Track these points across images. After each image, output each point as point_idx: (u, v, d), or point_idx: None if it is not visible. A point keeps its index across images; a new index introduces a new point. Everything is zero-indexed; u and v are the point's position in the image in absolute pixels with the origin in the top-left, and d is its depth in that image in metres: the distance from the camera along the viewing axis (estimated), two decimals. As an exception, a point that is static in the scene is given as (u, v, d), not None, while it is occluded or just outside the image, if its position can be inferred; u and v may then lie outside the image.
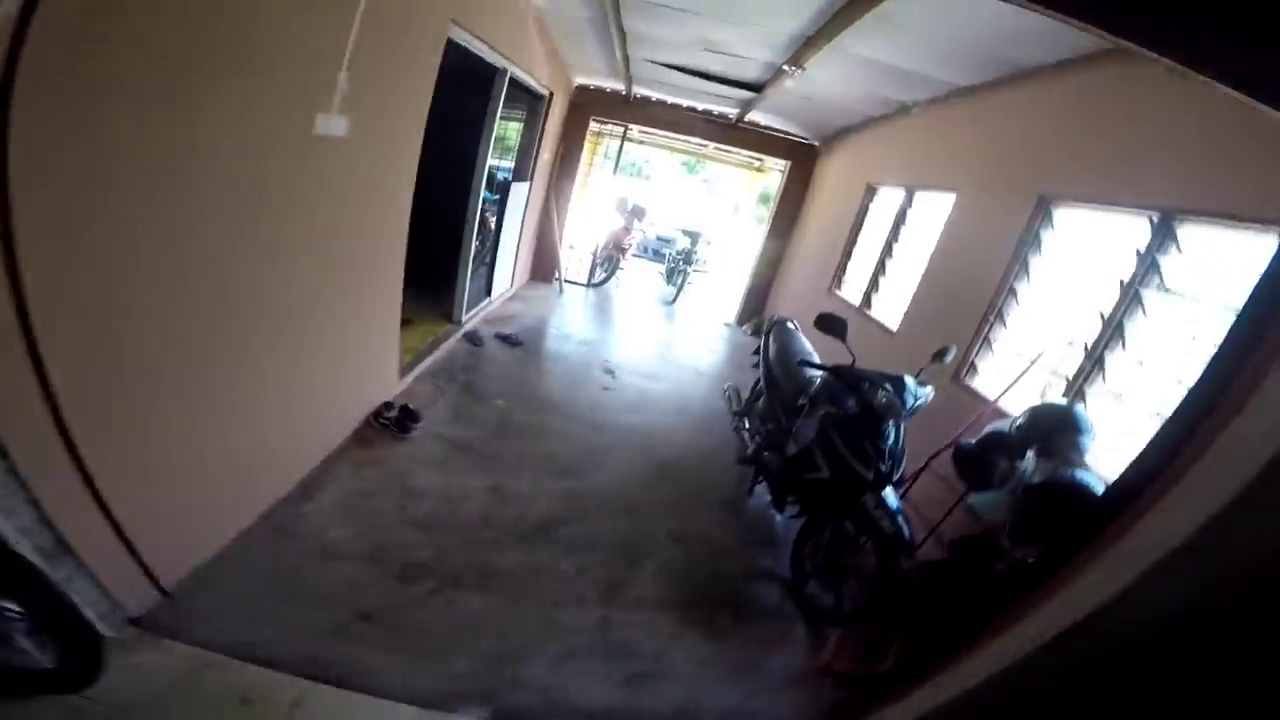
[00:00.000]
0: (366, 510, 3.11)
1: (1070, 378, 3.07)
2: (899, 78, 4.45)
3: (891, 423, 2.92)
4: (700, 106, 8.18)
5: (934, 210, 4.63)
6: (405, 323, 5.16)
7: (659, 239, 12.99)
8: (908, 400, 2.89)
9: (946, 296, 4.07)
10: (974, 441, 2.88)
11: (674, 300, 9.75)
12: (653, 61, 5.86)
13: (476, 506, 3.39)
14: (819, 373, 3.30)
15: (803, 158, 8.45)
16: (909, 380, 2.97)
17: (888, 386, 2.88)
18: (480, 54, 4.32)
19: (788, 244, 8.60)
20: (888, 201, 5.65)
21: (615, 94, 8.21)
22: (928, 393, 3.01)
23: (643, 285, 10.95)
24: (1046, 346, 3.22)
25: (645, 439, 4.63)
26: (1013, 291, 3.49)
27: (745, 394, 4.63)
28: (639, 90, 7.89)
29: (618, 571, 3.13)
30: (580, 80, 8.06)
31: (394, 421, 3.81)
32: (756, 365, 4.37)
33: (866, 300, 5.43)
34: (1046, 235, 3.35)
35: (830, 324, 3.20)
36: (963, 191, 4.16)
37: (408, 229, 3.75)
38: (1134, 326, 2.79)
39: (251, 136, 2.15)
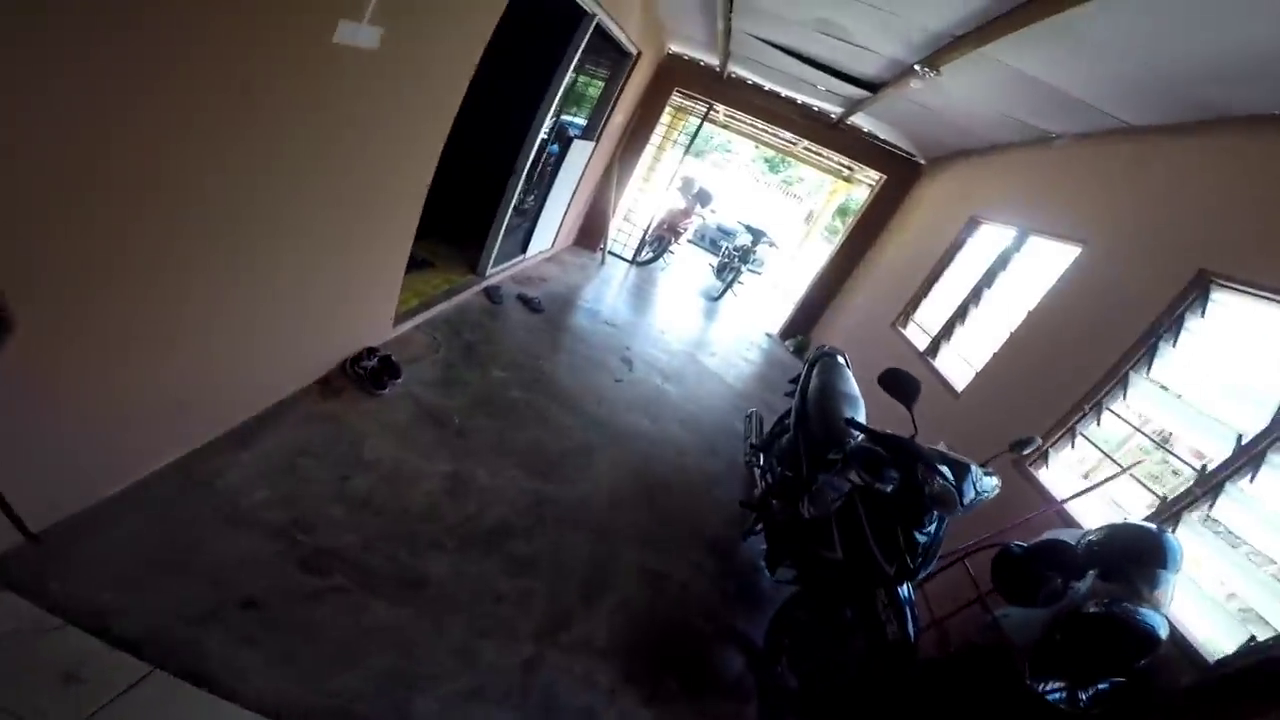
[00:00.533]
0: (300, 474, 2.70)
1: (1168, 498, 2.48)
2: (1054, 103, 3.74)
3: (938, 516, 2.35)
4: (800, 99, 7.49)
5: (1048, 262, 3.95)
6: (424, 264, 4.83)
7: (719, 229, 12.52)
8: (967, 493, 2.30)
9: (1037, 367, 3.41)
10: (1025, 546, 2.38)
11: (719, 297, 9.19)
12: (757, 37, 5.22)
13: (427, 494, 2.96)
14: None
15: (902, 174, 7.69)
16: (974, 470, 2.38)
17: (946, 473, 2.29)
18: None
19: (858, 264, 7.88)
20: (990, 241, 4.94)
21: (708, 69, 7.59)
22: (993, 485, 2.42)
23: (691, 274, 10.41)
24: (1146, 456, 2.62)
25: (645, 449, 4.11)
26: (1124, 380, 2.83)
27: (769, 424, 4.07)
28: (734, 69, 7.25)
29: (567, 603, 2.69)
30: (673, 47, 7.46)
31: (369, 373, 3.40)
32: (790, 394, 3.82)
33: (934, 348, 4.75)
34: (1192, 321, 2.67)
35: (898, 384, 2.70)
36: (1093, 247, 3.46)
37: (435, 165, 3.28)
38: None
39: (247, 34, 1.73)
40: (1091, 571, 2.16)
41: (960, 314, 4.59)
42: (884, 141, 7.57)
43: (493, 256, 5.21)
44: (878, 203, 7.86)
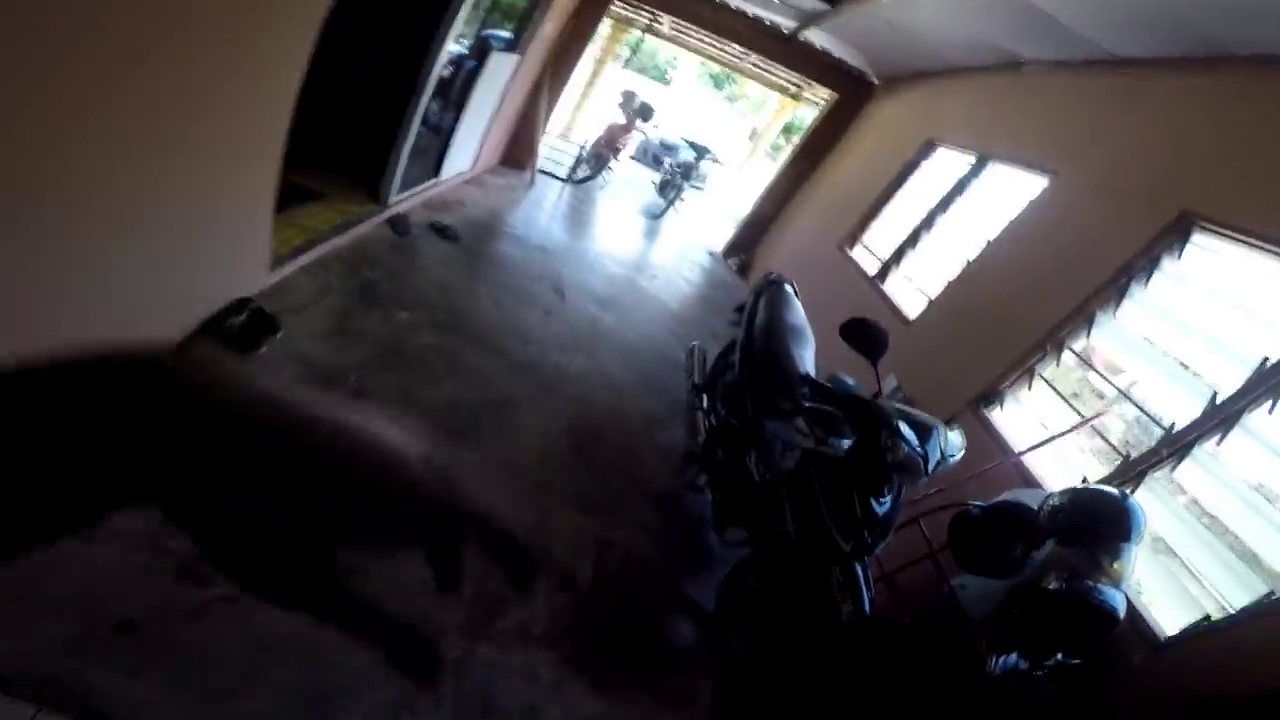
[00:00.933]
0: None
1: (1131, 455, 2.36)
2: (1036, 27, 3.44)
3: (898, 483, 2.15)
4: (752, 11, 6.94)
5: (1010, 192, 3.74)
6: (314, 196, 4.16)
7: (662, 145, 12.04)
8: (931, 457, 2.10)
9: (994, 299, 3.25)
10: (984, 508, 2.27)
11: (660, 215, 8.82)
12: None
13: None
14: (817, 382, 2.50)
15: (854, 93, 7.36)
16: (940, 430, 2.17)
17: (911, 438, 2.07)
18: None
19: (805, 184, 7.61)
20: (947, 166, 4.71)
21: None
22: (959, 446, 2.23)
23: (632, 192, 9.89)
24: (1111, 407, 2.48)
25: (579, 393, 3.77)
26: (1090, 320, 2.67)
27: (714, 358, 3.77)
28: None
29: (498, 588, 2.34)
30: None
31: (236, 331, 2.72)
32: (735, 323, 3.48)
33: (883, 273, 4.58)
34: (1169, 263, 2.50)
35: (863, 335, 2.38)
36: (1063, 179, 3.26)
37: (303, 67, 2.56)
38: (1258, 422, 2.06)
39: None
40: (1051, 540, 2.06)
41: (912, 239, 4.40)
42: (838, 60, 7.18)
43: (396, 182, 4.53)
44: (827, 122, 7.57)
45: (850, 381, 2.67)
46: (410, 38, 4.07)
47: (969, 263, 3.58)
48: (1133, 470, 2.31)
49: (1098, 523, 1.99)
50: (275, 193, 2.84)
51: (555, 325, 4.36)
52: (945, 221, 4.27)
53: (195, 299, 2.67)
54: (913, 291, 4.16)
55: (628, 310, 5.16)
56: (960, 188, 4.21)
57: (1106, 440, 2.54)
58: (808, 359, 2.86)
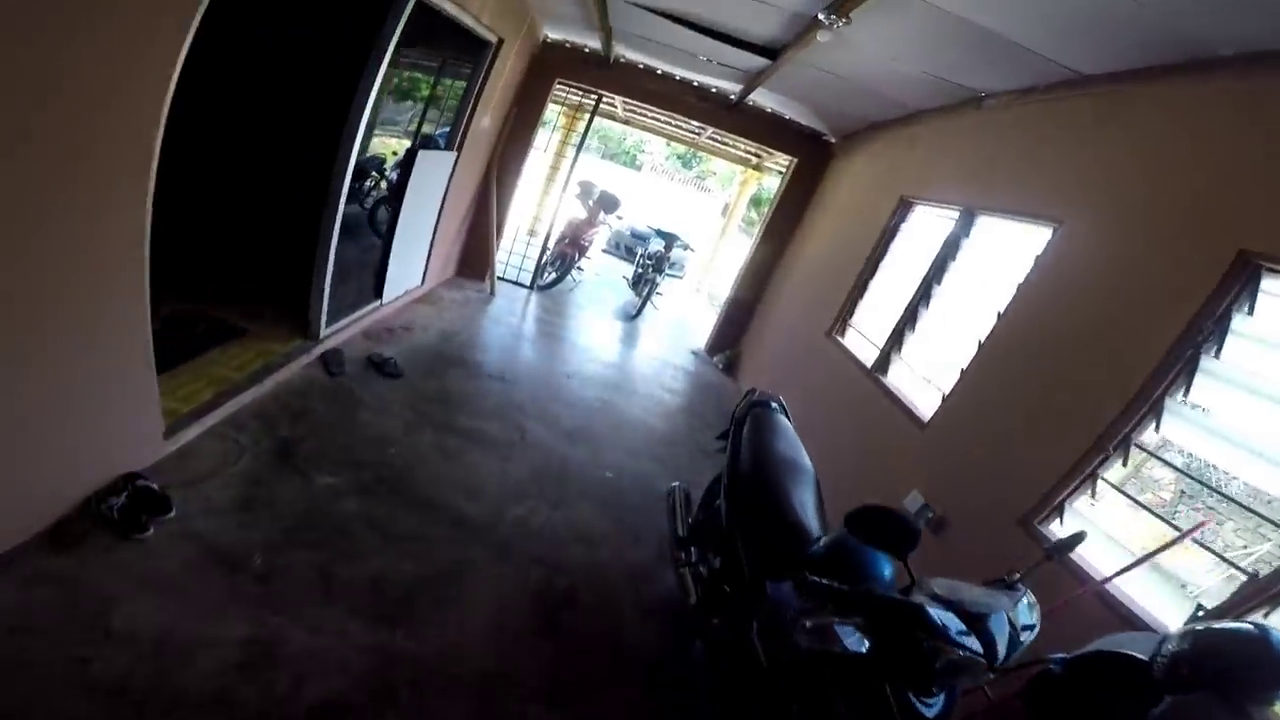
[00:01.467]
0: (19, 660, 1.89)
1: (1259, 574, 1.83)
2: (985, 51, 3.16)
3: (955, 686, 1.60)
4: (696, 79, 6.84)
5: (1010, 249, 3.32)
6: (235, 334, 3.82)
7: (633, 234, 11.99)
8: (999, 646, 1.54)
9: (1026, 389, 2.74)
10: (1067, 661, 1.65)
11: (637, 314, 8.42)
12: (634, 3, 4.47)
13: (212, 671, 2.08)
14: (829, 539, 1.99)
15: (813, 156, 7.14)
16: (1003, 608, 1.60)
17: (966, 641, 1.51)
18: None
19: (781, 260, 7.28)
20: (929, 226, 4.31)
21: (593, 55, 6.81)
22: (1033, 619, 1.66)
23: (605, 291, 9.56)
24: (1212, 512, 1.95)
25: (543, 551, 3.20)
26: (1157, 407, 2.16)
27: (696, 497, 3.25)
28: (621, 51, 6.52)
29: None
30: (550, 33, 6.65)
31: (117, 512, 2.42)
32: (721, 450, 3.02)
33: (883, 363, 4.05)
34: (1240, 321, 2.02)
35: (882, 530, 1.76)
36: (1069, 228, 2.83)
37: (151, 183, 2.21)
38: None
39: None
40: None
41: (910, 318, 3.91)
42: (790, 120, 7.02)
43: (323, 311, 4.14)
44: (791, 188, 7.31)
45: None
46: (327, 142, 3.75)
47: (981, 345, 3.10)
48: (1266, 592, 1.77)
49: (1238, 669, 1.48)
50: (148, 348, 2.52)
51: (515, 470, 3.80)
52: (942, 293, 3.80)
53: (76, 477, 2.44)
54: (920, 383, 3.64)
55: (603, 440, 4.60)
56: (951, 249, 3.78)
57: (1216, 554, 2.00)
58: (808, 504, 2.35)
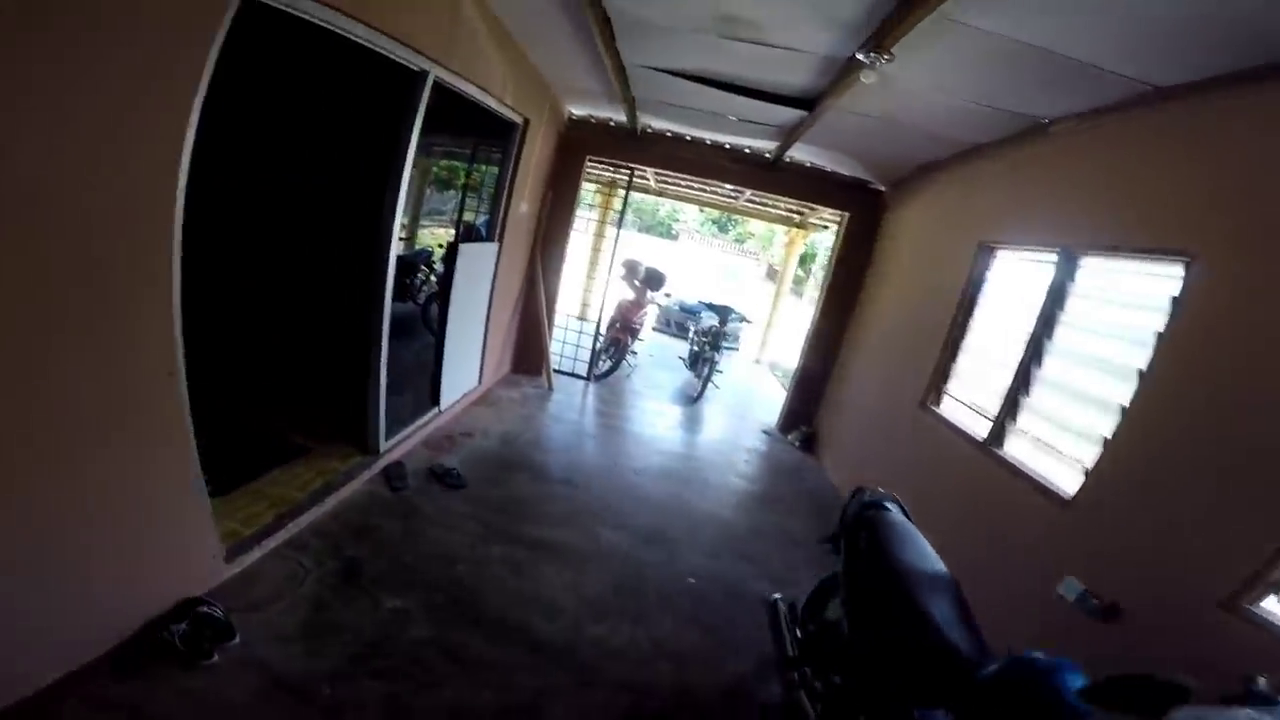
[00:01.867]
0: None
1: None
2: (1041, 71, 2.92)
3: None
4: (728, 142, 6.66)
5: (1130, 289, 2.93)
6: (298, 453, 3.81)
7: (682, 309, 11.78)
8: None
9: (1199, 463, 2.29)
10: None
11: (698, 397, 8.01)
12: (655, 68, 4.36)
13: None
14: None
15: (864, 207, 6.79)
16: None
17: None
18: (361, 40, 2.82)
19: (849, 322, 6.84)
20: (1022, 272, 3.92)
21: (620, 128, 6.75)
22: None
23: (663, 373, 9.29)
24: None
25: (627, 674, 2.84)
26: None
27: (801, 600, 2.88)
28: (648, 121, 6.42)
29: None
30: (575, 110, 6.62)
31: (180, 639, 2.34)
32: (833, 549, 2.65)
33: (997, 435, 3.56)
34: None
35: (1140, 697, 1.22)
36: (1208, 262, 2.44)
37: (176, 303, 2.17)
38: None
39: None
40: None
41: (1022, 381, 3.46)
42: (832, 173, 6.76)
43: (380, 424, 3.98)
44: (848, 243, 6.94)
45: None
46: (363, 240, 3.65)
47: (1125, 410, 2.66)
48: None
49: None
50: (196, 472, 2.49)
51: (590, 583, 3.47)
52: (1056, 349, 3.37)
53: (136, 602, 2.39)
54: (1047, 456, 3.17)
55: (680, 542, 4.20)
56: (1057, 298, 3.39)
57: None
58: (953, 618, 1.95)
